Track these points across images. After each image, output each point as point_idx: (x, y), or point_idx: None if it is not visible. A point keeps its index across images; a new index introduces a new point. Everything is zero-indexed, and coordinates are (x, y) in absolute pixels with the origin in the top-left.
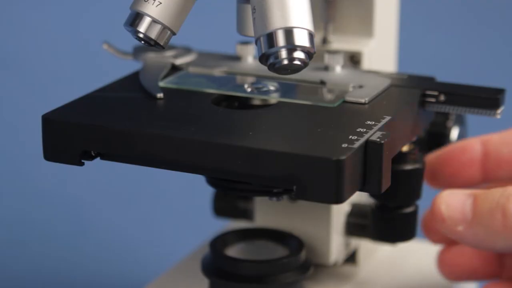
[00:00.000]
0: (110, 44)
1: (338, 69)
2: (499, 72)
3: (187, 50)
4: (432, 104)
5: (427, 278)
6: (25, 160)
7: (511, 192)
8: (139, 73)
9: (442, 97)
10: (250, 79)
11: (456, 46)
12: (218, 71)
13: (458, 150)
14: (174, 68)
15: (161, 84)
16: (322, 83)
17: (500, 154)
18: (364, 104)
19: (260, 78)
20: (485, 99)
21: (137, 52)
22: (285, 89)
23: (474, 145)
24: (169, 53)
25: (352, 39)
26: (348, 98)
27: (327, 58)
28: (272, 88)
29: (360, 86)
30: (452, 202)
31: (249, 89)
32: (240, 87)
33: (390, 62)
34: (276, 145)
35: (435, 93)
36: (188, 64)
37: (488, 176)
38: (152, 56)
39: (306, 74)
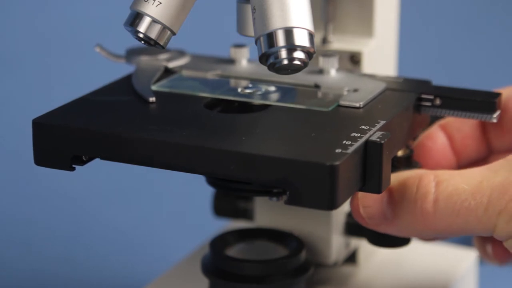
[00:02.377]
0: (103, 47)
1: (333, 72)
2: (498, 75)
3: (180, 53)
4: (428, 108)
5: (427, 278)
6: (25, 160)
7: (427, 189)
8: (132, 76)
9: (438, 101)
10: (244, 83)
11: (455, 46)
12: (211, 74)
13: (426, 140)
14: (167, 71)
15: (154, 87)
16: (317, 86)
17: (463, 133)
18: (358, 108)
19: (254, 81)
20: (482, 103)
21: (129, 55)
22: (280, 92)
23: (436, 132)
24: (162, 56)
25: (352, 39)
26: (343, 102)
27: (321, 61)
28: (266, 91)
29: (355, 90)
30: (369, 203)
31: (242, 93)
32: (234, 91)
33: (390, 62)
34: (269, 150)
35: (431, 97)
36: (182, 67)
37: (460, 158)
38: (145, 59)
39: (300, 78)
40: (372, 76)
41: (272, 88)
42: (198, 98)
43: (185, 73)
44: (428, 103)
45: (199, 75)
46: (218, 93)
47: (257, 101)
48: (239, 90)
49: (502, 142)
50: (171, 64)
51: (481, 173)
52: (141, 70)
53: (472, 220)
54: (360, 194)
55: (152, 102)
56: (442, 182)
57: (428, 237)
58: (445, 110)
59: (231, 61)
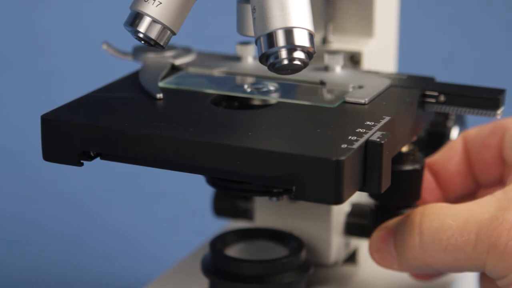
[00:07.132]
0: (110, 44)
1: (338, 69)
2: (499, 72)
3: (187, 50)
4: (432, 104)
5: None
6: (25, 160)
7: (413, 223)
8: (139, 73)
9: (442, 98)
10: (250, 80)
11: (456, 46)
12: (218, 72)
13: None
14: (174, 68)
15: (161, 84)
16: (322, 83)
17: (448, 171)
18: (364, 104)
19: (260, 78)
20: (485, 100)
21: (136, 52)
22: (285, 89)
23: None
24: (169, 53)
25: (352, 39)
26: (348, 99)
27: (327, 59)
28: (272, 88)
29: (360, 87)
30: (380, 246)
31: (249, 90)
32: (240, 87)
33: (390, 62)
34: (275, 145)
35: (435, 93)
36: (188, 64)
37: (447, 195)
38: (152, 56)
39: (306, 75)
40: (376, 73)
41: (278, 85)
42: (205, 94)
43: (192, 70)
44: (432, 100)
45: (206, 72)
46: (225, 90)
47: (263, 97)
48: (246, 86)
49: (488, 177)
50: (178, 61)
51: (468, 208)
52: (148, 67)
53: (462, 257)
54: (372, 238)
55: (160, 99)
56: (427, 216)
57: (430, 273)
58: (449, 107)
59: (237, 58)
